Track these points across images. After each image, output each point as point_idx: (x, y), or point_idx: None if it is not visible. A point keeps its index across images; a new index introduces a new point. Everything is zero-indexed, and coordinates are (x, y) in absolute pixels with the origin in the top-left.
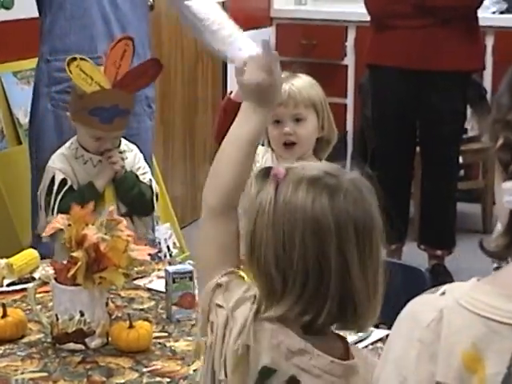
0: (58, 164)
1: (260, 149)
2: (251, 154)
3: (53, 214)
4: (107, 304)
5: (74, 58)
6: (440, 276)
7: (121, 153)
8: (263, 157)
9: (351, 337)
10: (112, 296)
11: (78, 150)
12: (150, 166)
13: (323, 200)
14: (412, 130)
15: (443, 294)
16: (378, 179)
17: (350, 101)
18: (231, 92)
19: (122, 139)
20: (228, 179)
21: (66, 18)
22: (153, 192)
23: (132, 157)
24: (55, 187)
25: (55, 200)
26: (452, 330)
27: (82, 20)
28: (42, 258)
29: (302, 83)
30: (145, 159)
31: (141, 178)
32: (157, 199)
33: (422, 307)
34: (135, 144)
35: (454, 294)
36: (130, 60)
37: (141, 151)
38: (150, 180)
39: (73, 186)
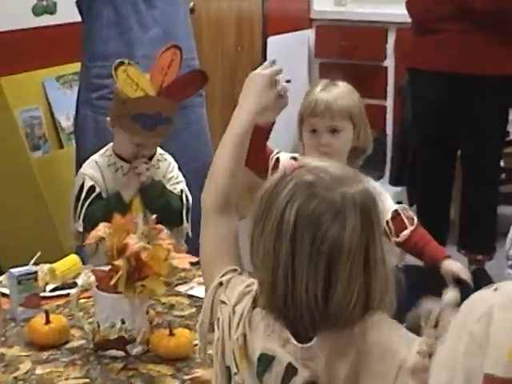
0: (89, 170)
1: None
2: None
3: (79, 219)
4: (148, 311)
5: (122, 62)
6: (480, 281)
7: (147, 163)
8: None
9: None
10: (153, 302)
11: (111, 158)
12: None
13: (294, 205)
14: (452, 134)
15: (496, 290)
16: (418, 183)
17: (389, 103)
18: None
19: (158, 148)
20: (219, 181)
21: (104, 25)
22: (183, 203)
23: (165, 166)
24: (83, 193)
25: (82, 206)
26: (501, 326)
27: (119, 26)
28: (83, 261)
29: (339, 93)
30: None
31: (172, 187)
32: (188, 211)
33: (475, 302)
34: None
35: (506, 290)
36: (176, 69)
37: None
38: (182, 191)
39: (101, 193)
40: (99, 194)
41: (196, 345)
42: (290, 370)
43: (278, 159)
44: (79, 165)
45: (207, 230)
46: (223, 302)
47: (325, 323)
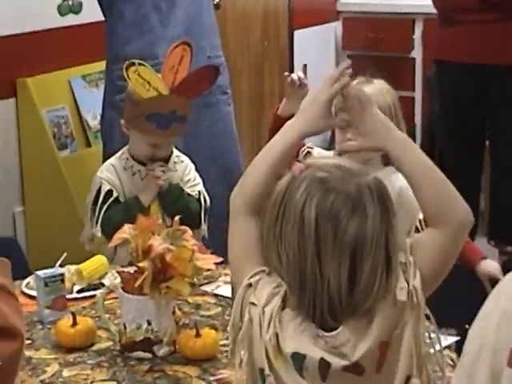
0: (106, 174)
1: (327, 154)
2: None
3: (97, 224)
4: (174, 312)
5: (133, 63)
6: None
7: (163, 166)
8: None
9: None
10: (179, 302)
11: (127, 161)
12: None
13: (313, 202)
14: (481, 124)
15: None
16: (446, 173)
17: (417, 94)
18: (278, 108)
19: (174, 149)
20: (254, 185)
21: (126, 25)
22: (201, 205)
23: (182, 169)
24: (101, 198)
25: (100, 210)
26: None
27: (141, 27)
28: None
29: (370, 90)
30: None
31: (189, 190)
32: (206, 212)
33: (509, 279)
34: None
35: None
36: (187, 65)
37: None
38: (199, 193)
39: (119, 197)
40: (117, 199)
41: (223, 345)
42: (323, 365)
43: (308, 152)
44: None
45: (236, 228)
46: (253, 304)
47: (348, 314)
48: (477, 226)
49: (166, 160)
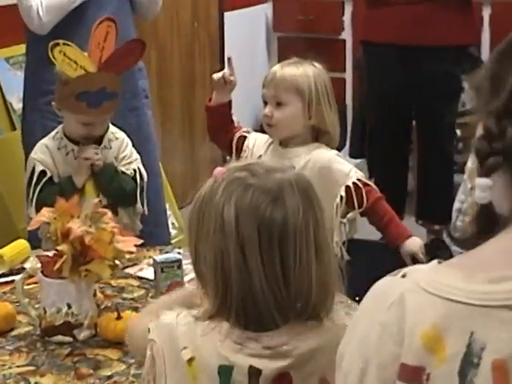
0: (39, 155)
1: (264, 137)
2: None
3: (32, 205)
4: (95, 295)
5: (57, 44)
6: (438, 250)
7: (96, 148)
8: (265, 143)
9: None
10: (102, 285)
11: (61, 140)
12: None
13: (232, 200)
14: (408, 105)
15: (404, 276)
16: (374, 154)
17: (348, 75)
18: (210, 99)
19: (111, 125)
20: None
21: (52, 31)
22: (137, 183)
23: (117, 146)
24: (34, 179)
25: (34, 191)
26: (412, 312)
27: (65, 30)
28: (36, 247)
29: (293, 70)
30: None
31: (124, 168)
32: (142, 189)
33: (383, 290)
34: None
35: (414, 276)
36: (113, 41)
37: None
38: (134, 171)
39: (53, 177)
40: (50, 179)
41: None
42: (254, 372)
43: (243, 137)
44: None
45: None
46: (152, 340)
47: (292, 310)
48: (405, 206)
49: (101, 138)
